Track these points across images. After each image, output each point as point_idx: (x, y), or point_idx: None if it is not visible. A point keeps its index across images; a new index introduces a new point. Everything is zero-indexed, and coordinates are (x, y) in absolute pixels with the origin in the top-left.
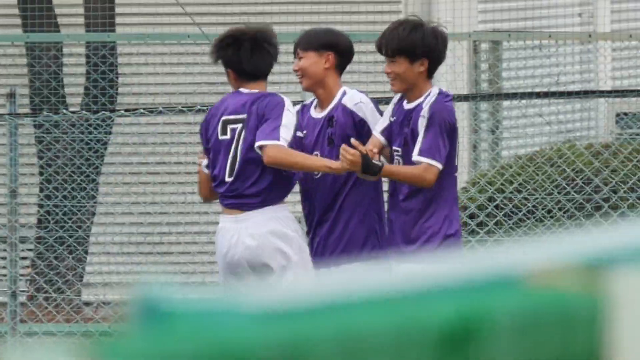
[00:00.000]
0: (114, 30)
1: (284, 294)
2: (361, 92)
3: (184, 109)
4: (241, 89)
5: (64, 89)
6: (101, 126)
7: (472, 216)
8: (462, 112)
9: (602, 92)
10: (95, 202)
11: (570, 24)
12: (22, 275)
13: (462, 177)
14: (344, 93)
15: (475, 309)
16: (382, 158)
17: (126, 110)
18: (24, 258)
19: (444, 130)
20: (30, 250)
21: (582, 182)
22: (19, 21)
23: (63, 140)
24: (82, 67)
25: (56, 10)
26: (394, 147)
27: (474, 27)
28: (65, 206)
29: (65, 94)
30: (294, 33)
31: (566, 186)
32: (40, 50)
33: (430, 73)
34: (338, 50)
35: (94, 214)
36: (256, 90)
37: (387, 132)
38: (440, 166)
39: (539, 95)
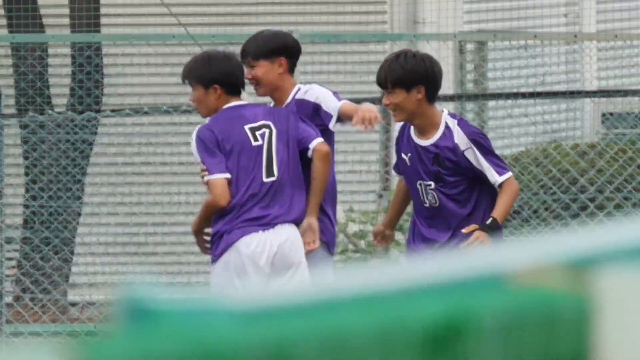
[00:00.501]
0: (99, 31)
1: (268, 293)
2: (321, 85)
3: (170, 109)
4: (233, 103)
5: (49, 90)
6: (87, 127)
7: None
8: None
9: (587, 92)
10: (80, 203)
11: (555, 24)
12: (7, 275)
13: None
14: (299, 89)
15: (461, 308)
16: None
17: (112, 111)
18: (9, 259)
19: (489, 143)
20: (16, 250)
21: (568, 182)
22: (4, 22)
23: (49, 140)
24: (68, 68)
25: (41, 10)
26: (425, 183)
27: (459, 28)
28: (51, 207)
29: (51, 94)
30: None
31: (552, 186)
32: (26, 50)
33: (430, 99)
34: (288, 52)
35: (79, 214)
36: (248, 102)
37: (397, 167)
38: (510, 172)
39: (524, 95)
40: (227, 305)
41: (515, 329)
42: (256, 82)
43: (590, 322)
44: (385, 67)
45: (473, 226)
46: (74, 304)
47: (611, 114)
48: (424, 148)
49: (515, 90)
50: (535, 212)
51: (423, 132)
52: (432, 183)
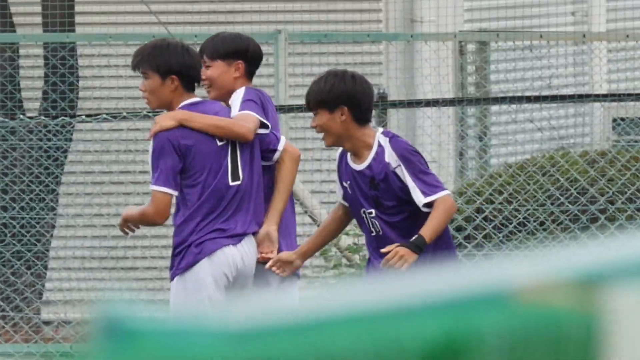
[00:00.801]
0: (73, 30)
1: (255, 311)
2: (252, 89)
3: (149, 114)
4: (192, 100)
5: (20, 93)
6: (61, 132)
7: (459, 229)
8: (447, 117)
9: (597, 95)
10: (55, 214)
11: (562, 23)
12: None
13: (448, 186)
14: None
15: (462, 327)
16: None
17: (87, 116)
18: None
19: (420, 161)
20: None
21: (577, 192)
22: None
23: (20, 147)
24: (40, 70)
25: (12, 8)
26: (367, 210)
27: (459, 27)
28: (23, 218)
29: (22, 98)
30: (266, 33)
31: (560, 197)
32: None
33: (358, 120)
34: (247, 57)
35: (53, 226)
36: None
37: (343, 196)
38: (447, 190)
39: (529, 99)
40: (212, 325)
41: (520, 349)
42: (209, 83)
43: (599, 342)
44: (308, 89)
45: (393, 245)
46: (48, 323)
47: (622, 119)
48: (360, 173)
49: (519, 94)
50: (541, 224)
51: (357, 155)
52: (373, 210)
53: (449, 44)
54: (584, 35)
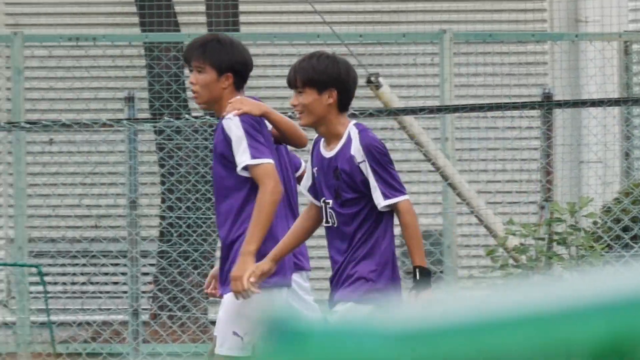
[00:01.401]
0: (238, 30)
1: (423, 312)
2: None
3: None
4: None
5: (185, 93)
6: None
7: (625, 229)
8: (613, 118)
9: None
10: None
11: None
12: (144, 292)
13: (614, 187)
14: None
15: (630, 328)
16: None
17: None
18: (145, 274)
19: (385, 159)
20: (152, 265)
21: None
22: (136, 20)
23: (186, 147)
24: None
25: (176, 8)
26: (326, 200)
27: (624, 27)
28: (189, 218)
29: (187, 97)
30: (431, 33)
31: None
32: (160, 50)
33: (341, 106)
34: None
35: None
36: None
37: (313, 188)
38: (406, 194)
39: None
40: (379, 326)
41: None
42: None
43: None
44: (296, 66)
45: (411, 298)
46: (215, 323)
47: None
48: (327, 160)
49: None
50: None
51: (328, 142)
52: (331, 201)
53: (614, 43)
54: None
